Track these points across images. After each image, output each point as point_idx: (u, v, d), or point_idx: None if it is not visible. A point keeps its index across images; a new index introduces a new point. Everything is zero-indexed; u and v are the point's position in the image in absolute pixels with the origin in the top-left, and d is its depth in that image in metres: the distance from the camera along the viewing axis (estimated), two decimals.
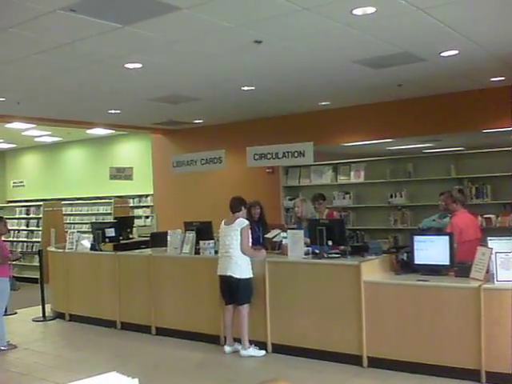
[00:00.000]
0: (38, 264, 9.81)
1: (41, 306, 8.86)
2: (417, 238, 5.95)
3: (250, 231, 6.54)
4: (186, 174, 10.99)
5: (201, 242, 7.27)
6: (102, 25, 5.31)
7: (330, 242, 6.34)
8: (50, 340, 7.87)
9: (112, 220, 11.66)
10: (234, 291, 6.47)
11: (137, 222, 13.28)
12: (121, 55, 6.50)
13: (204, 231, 7.45)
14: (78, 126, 12.06)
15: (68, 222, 15.33)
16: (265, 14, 5.21)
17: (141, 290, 7.76)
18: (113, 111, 10.38)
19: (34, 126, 12.41)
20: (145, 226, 14.28)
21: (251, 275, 6.47)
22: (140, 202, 15.27)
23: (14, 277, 9.51)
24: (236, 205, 6.68)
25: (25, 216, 13.79)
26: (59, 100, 9.18)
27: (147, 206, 15.06)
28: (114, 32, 5.53)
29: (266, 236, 7.42)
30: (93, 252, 8.50)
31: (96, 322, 8.20)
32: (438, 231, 6.98)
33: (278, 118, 11.26)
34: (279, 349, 6.43)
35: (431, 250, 5.80)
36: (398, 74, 7.88)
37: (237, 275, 6.39)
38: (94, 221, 13.54)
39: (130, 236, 9.73)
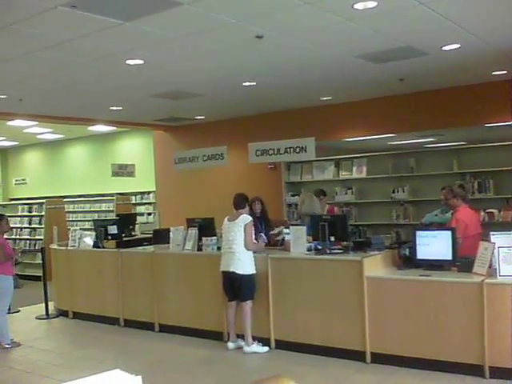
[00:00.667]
0: (40, 262, 9.82)
1: (44, 304, 8.87)
2: (419, 233, 5.94)
3: (253, 227, 6.55)
4: (188, 171, 10.99)
5: (203, 239, 7.27)
6: (103, 21, 5.30)
7: (332, 238, 6.33)
8: (53, 338, 7.88)
9: (114, 217, 11.66)
10: (237, 287, 6.47)
11: (139, 218, 13.31)
12: (122, 51, 6.49)
13: (206, 228, 7.45)
14: (79, 122, 12.06)
15: (70, 219, 15.35)
16: (266, 8, 5.20)
17: (144, 287, 7.77)
18: (114, 108, 10.37)
19: (36, 123, 12.41)
20: (147, 222, 14.30)
21: (254, 271, 6.47)
22: (142, 198, 15.28)
23: (17, 275, 9.50)
24: (240, 201, 6.68)
25: (27, 214, 13.80)
26: (61, 97, 9.18)
27: (149, 203, 15.07)
28: (115, 28, 5.52)
29: (272, 233, 7.41)
30: (95, 249, 8.50)
31: (99, 319, 8.21)
32: (441, 226, 6.97)
33: (279, 114, 11.25)
34: (282, 345, 6.43)
35: (433, 245, 5.79)
36: (400, 68, 7.86)
37: (240, 271, 6.39)
38: (96, 218, 13.57)
39: (133, 233, 9.74)
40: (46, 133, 14.99)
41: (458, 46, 6.76)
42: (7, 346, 7.08)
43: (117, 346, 7.17)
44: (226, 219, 6.67)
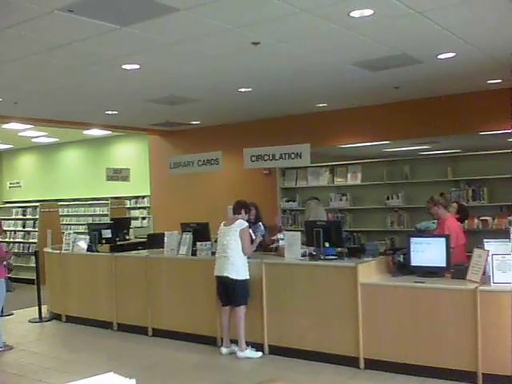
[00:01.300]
0: (34, 265, 9.79)
1: (37, 307, 8.85)
2: (413, 239, 5.96)
3: (249, 233, 6.56)
4: (182, 176, 10.99)
5: (198, 244, 7.27)
6: (100, 25, 5.31)
7: (327, 244, 6.34)
8: (46, 341, 7.86)
9: (108, 221, 11.65)
10: (231, 292, 6.48)
11: (133, 223, 13.28)
12: (118, 56, 6.49)
13: (201, 232, 7.45)
14: (75, 126, 12.04)
15: (64, 222, 15.31)
16: (263, 15, 5.22)
17: (137, 292, 7.75)
18: (110, 112, 10.37)
19: (31, 126, 12.38)
20: (141, 227, 14.27)
21: (248, 276, 6.47)
22: (137, 203, 15.25)
23: (9, 278, 9.46)
24: (237, 207, 6.73)
25: (21, 217, 13.77)
26: (56, 101, 9.17)
27: (144, 208, 15.05)
28: (111, 33, 5.53)
29: (272, 238, 7.41)
30: (89, 253, 8.49)
31: (93, 323, 8.19)
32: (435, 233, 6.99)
33: (274, 120, 11.27)
34: (276, 350, 6.43)
35: (428, 251, 5.81)
36: (395, 76, 7.89)
37: (233, 276, 6.40)
38: (90, 222, 13.55)
39: (127, 237, 9.74)
40: (40, 136, 14.96)
41: (454, 54, 6.80)
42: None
43: (110, 350, 7.15)
44: (222, 224, 6.69)
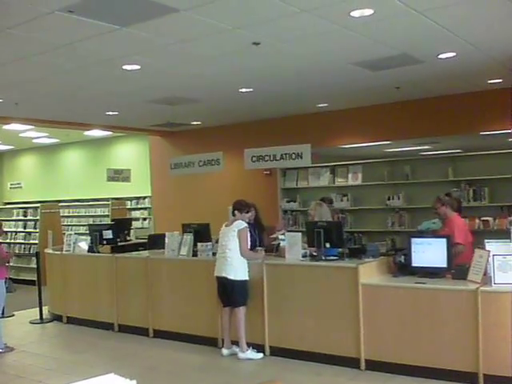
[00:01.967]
0: (35, 266, 9.79)
1: (38, 308, 8.85)
2: (414, 240, 5.95)
3: (248, 233, 6.54)
4: (183, 176, 10.99)
5: (198, 244, 7.26)
6: (100, 26, 5.30)
7: (327, 245, 6.34)
8: (47, 342, 7.85)
9: (109, 222, 11.65)
10: (229, 293, 6.47)
11: (134, 223, 13.28)
12: (119, 56, 6.49)
13: (202, 233, 7.44)
14: (75, 127, 12.05)
15: (65, 223, 15.32)
16: (263, 15, 5.22)
17: (138, 293, 7.75)
18: (111, 113, 10.37)
19: (32, 127, 12.38)
20: (142, 228, 14.28)
21: (247, 277, 6.46)
22: (138, 203, 15.25)
23: (10, 278, 9.47)
24: (236, 207, 6.70)
25: (22, 218, 13.76)
26: (57, 101, 9.17)
27: (145, 208, 15.06)
28: (111, 33, 5.53)
29: (272, 236, 7.40)
30: (90, 254, 8.49)
31: (93, 324, 8.18)
32: (436, 233, 6.98)
33: (275, 120, 11.27)
34: (277, 351, 6.42)
35: (429, 252, 5.80)
36: (396, 76, 7.89)
37: (231, 276, 6.39)
38: (91, 223, 13.55)
39: (128, 238, 9.73)
40: (41, 137, 14.97)
41: (454, 54, 6.79)
42: (0, 350, 7.05)
43: (110, 352, 7.14)
44: (224, 225, 6.69)
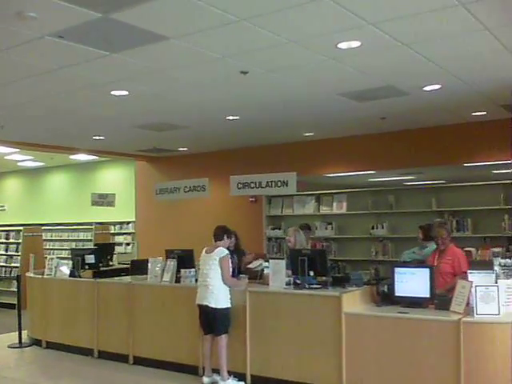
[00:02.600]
0: (15, 289, 9.67)
1: (17, 333, 8.71)
2: (398, 269, 5.96)
3: (230, 261, 6.52)
4: (168, 202, 10.97)
5: (182, 271, 7.22)
6: (90, 52, 5.34)
7: (311, 273, 6.33)
8: (24, 367, 7.72)
9: (92, 246, 11.55)
10: (211, 321, 6.41)
11: (117, 248, 13.18)
12: (107, 82, 6.52)
13: (185, 259, 7.40)
14: (61, 151, 12.01)
15: (48, 247, 15.17)
16: (251, 45, 5.29)
17: (119, 319, 7.66)
18: (97, 137, 10.37)
19: (17, 150, 12.34)
20: (125, 253, 14.16)
21: (229, 305, 6.41)
22: (121, 228, 15.16)
23: None
24: (218, 233, 6.65)
25: (4, 241, 13.63)
26: (44, 125, 9.16)
27: (128, 233, 14.96)
28: (101, 59, 5.57)
29: (249, 266, 7.39)
30: (72, 279, 8.39)
31: (73, 349, 8.07)
32: (420, 263, 6.99)
33: (261, 148, 11.32)
34: (258, 380, 6.35)
35: (412, 282, 5.80)
36: (382, 107, 7.99)
37: (213, 305, 6.33)
38: (74, 247, 13.44)
39: (110, 263, 9.65)
40: (26, 160, 14.90)
41: (439, 86, 6.90)
42: None
43: (89, 378, 7.03)
44: (204, 251, 6.64)
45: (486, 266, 6.29)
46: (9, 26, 4.68)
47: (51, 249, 15.35)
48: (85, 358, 7.83)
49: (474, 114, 8.53)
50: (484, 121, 8.85)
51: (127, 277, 8.22)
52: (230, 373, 6.37)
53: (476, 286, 5.17)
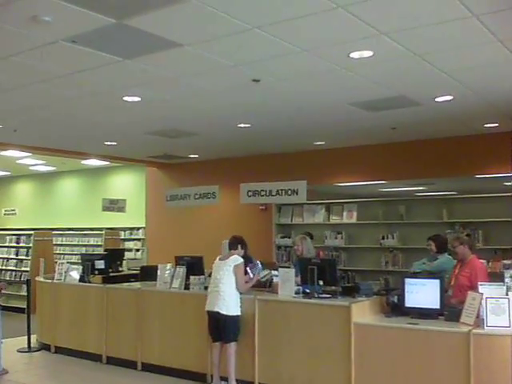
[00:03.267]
0: (25, 293, 9.69)
1: (26, 337, 8.73)
2: (408, 280, 5.93)
3: (243, 269, 6.53)
4: (178, 209, 10.98)
5: (191, 277, 7.22)
6: (103, 57, 5.38)
7: (321, 282, 6.31)
8: (33, 372, 7.73)
9: (102, 252, 11.58)
10: (221, 328, 6.40)
11: (127, 254, 13.19)
12: (120, 88, 6.56)
13: (195, 266, 7.41)
14: (73, 156, 12.07)
15: (58, 252, 15.21)
16: (264, 53, 5.30)
17: (128, 325, 7.67)
18: (109, 143, 10.42)
19: (30, 154, 12.42)
20: (135, 259, 14.18)
21: (239, 313, 6.41)
22: (131, 234, 15.19)
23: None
24: (233, 242, 6.71)
25: (15, 245, 13.69)
26: (56, 130, 9.22)
27: (138, 239, 14.99)
28: (114, 65, 5.60)
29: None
30: (81, 284, 8.42)
31: (82, 355, 8.08)
32: (430, 274, 6.94)
33: (272, 156, 11.33)
34: None
35: (422, 293, 5.77)
36: (393, 117, 7.98)
37: (224, 311, 6.33)
38: (84, 252, 13.47)
39: (120, 269, 9.66)
40: (38, 164, 14.99)
41: (451, 97, 6.89)
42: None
43: None
44: (217, 258, 6.67)
45: (497, 278, 6.25)
46: (23, 30, 4.72)
47: (61, 253, 15.38)
48: (93, 364, 7.84)
49: (485, 125, 8.50)
50: (496, 132, 8.82)
51: (136, 283, 8.23)
52: (237, 381, 6.36)
53: (487, 298, 5.14)
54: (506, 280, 5.48)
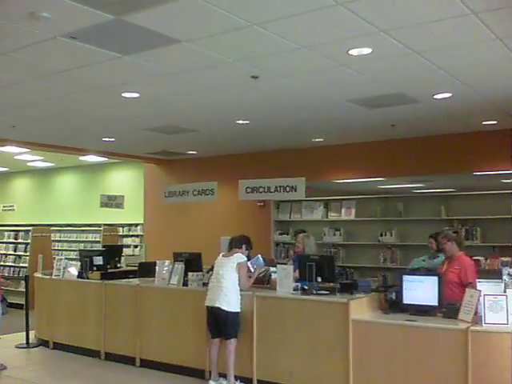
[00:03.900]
0: (23, 290, 9.70)
1: (25, 333, 8.74)
2: (406, 277, 5.94)
3: (246, 268, 6.54)
4: (177, 205, 10.98)
5: (189, 274, 7.23)
6: (102, 53, 5.37)
7: (319, 279, 6.32)
8: (32, 368, 7.74)
9: (100, 248, 11.58)
10: (222, 324, 6.41)
11: (125, 251, 13.22)
12: (118, 84, 6.55)
13: (193, 263, 7.41)
14: (71, 152, 12.05)
15: (56, 248, 15.22)
16: (263, 50, 5.30)
17: (126, 321, 7.68)
18: (107, 139, 10.40)
19: (28, 150, 12.40)
20: (133, 255, 14.19)
21: (239, 309, 6.42)
22: (130, 230, 15.19)
23: (3, 300, 9.36)
24: (239, 240, 6.74)
25: (13, 240, 13.69)
26: (54, 126, 9.20)
27: (137, 236, 14.99)
28: (113, 61, 5.59)
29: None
30: (79, 280, 8.42)
31: (80, 351, 8.09)
32: (428, 271, 6.97)
33: (271, 153, 11.32)
34: None
35: (420, 290, 5.79)
36: (392, 114, 7.97)
37: (225, 307, 6.33)
38: (82, 248, 13.47)
39: (118, 265, 9.66)
40: (36, 160, 14.97)
41: (450, 95, 6.89)
42: None
43: (95, 380, 7.05)
44: (220, 254, 6.69)
45: (495, 275, 6.27)
46: (22, 26, 4.70)
47: (59, 249, 15.40)
48: (92, 360, 7.85)
49: (484, 122, 8.50)
50: (494, 130, 8.82)
51: (135, 279, 8.23)
52: (236, 377, 6.37)
53: (484, 295, 5.16)
54: (504, 277, 5.50)
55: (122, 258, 10.32)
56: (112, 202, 12.64)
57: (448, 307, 5.63)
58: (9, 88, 6.74)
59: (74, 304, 8.37)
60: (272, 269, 7.09)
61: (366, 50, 5.25)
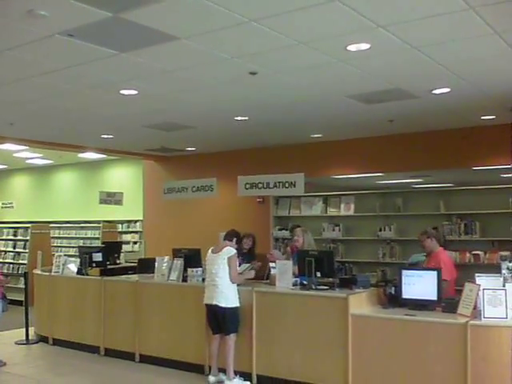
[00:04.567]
0: (23, 286, 9.71)
1: (24, 329, 8.76)
2: (405, 272, 5.96)
3: (237, 260, 6.55)
4: (176, 201, 10.99)
5: (189, 270, 7.25)
6: (100, 51, 5.36)
7: (318, 274, 6.33)
8: (32, 364, 7.76)
9: (100, 245, 11.59)
10: (221, 321, 6.43)
11: (125, 247, 13.22)
12: (116, 81, 6.54)
13: (192, 258, 7.43)
14: (70, 149, 12.04)
15: (55, 245, 15.23)
16: (261, 46, 5.29)
17: (126, 317, 7.70)
18: (106, 136, 10.40)
19: (26, 147, 12.39)
20: (132, 251, 14.20)
21: (238, 304, 6.44)
22: (129, 227, 15.20)
23: (5, 297, 9.35)
24: (231, 234, 6.75)
25: (12, 237, 13.70)
26: (53, 123, 9.19)
27: (136, 232, 15.00)
28: (111, 58, 5.58)
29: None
30: (79, 276, 8.44)
31: (79, 347, 8.10)
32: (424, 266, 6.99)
33: (269, 149, 11.32)
34: (264, 380, 6.38)
35: (419, 284, 5.80)
36: (390, 109, 7.97)
37: (222, 304, 6.35)
38: (81, 245, 13.49)
39: (117, 261, 9.67)
40: (35, 158, 14.96)
41: (448, 90, 6.88)
42: None
43: (95, 375, 7.08)
44: (209, 251, 6.67)
45: (494, 269, 6.30)
46: (19, 24, 4.69)
47: (59, 246, 15.41)
48: (91, 356, 7.88)
49: (483, 117, 8.50)
50: (493, 125, 8.82)
51: (134, 275, 8.25)
52: (235, 372, 6.40)
53: (484, 290, 5.17)
54: (503, 271, 5.52)
55: (122, 255, 10.33)
56: (111, 198, 12.63)
57: (447, 302, 5.65)
58: (7, 86, 6.73)
59: (74, 300, 8.38)
60: (271, 264, 7.11)
61: (365, 46, 5.24)
